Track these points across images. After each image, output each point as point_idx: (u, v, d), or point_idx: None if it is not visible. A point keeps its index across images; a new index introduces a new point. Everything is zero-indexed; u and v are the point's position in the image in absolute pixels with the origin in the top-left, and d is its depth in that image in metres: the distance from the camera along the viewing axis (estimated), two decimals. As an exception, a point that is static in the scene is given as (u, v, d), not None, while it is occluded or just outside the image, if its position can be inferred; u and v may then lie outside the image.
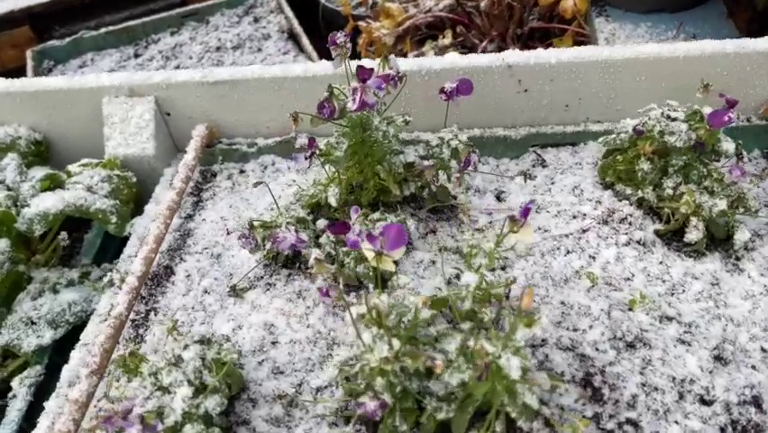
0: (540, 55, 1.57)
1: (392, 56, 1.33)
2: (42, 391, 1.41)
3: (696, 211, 1.30)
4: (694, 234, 1.30)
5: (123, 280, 1.39)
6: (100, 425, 0.97)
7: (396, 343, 0.97)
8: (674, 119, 1.35)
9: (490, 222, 1.45)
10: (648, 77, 1.57)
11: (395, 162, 1.39)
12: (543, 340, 1.19)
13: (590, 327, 1.21)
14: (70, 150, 1.84)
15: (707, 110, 1.32)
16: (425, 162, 1.38)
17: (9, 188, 1.59)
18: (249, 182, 1.67)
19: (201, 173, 1.71)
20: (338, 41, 1.30)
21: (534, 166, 1.60)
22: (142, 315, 1.37)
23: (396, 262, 1.16)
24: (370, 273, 1.30)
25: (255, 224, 1.35)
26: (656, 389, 1.11)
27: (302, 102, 1.67)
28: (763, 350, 1.16)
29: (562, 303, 1.26)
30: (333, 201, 1.38)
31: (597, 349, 1.17)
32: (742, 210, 1.33)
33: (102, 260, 1.69)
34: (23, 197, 1.56)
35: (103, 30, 2.97)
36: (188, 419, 1.05)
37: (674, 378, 1.12)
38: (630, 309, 1.23)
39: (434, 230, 1.44)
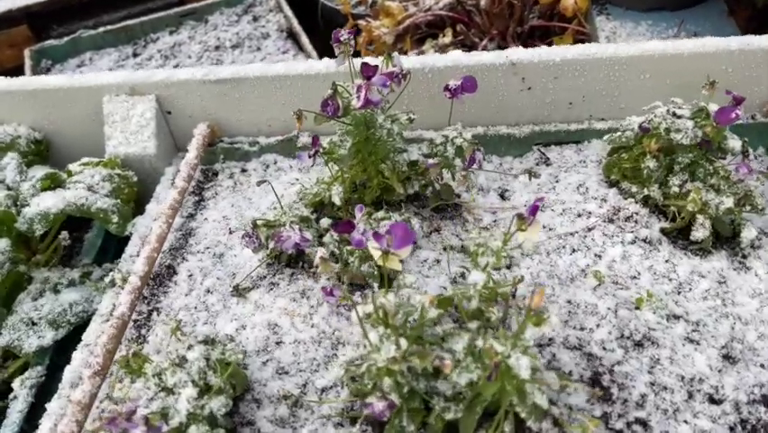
0: (544, 52, 1.56)
1: (395, 53, 1.32)
2: (43, 392, 1.40)
3: (702, 209, 1.30)
4: (701, 232, 1.29)
5: (125, 280, 1.38)
6: (104, 426, 0.96)
7: (403, 342, 0.96)
8: (680, 116, 1.34)
9: (495, 220, 1.44)
10: (652, 74, 1.56)
11: (399, 161, 1.38)
12: (549, 339, 1.18)
13: (597, 325, 1.20)
14: (70, 149, 1.83)
15: (712, 107, 1.31)
16: (430, 161, 1.37)
17: (9, 188, 1.58)
18: (251, 181, 1.66)
19: (202, 172, 1.70)
20: (342, 39, 1.29)
21: (537, 164, 1.59)
22: (145, 315, 1.36)
23: (401, 261, 1.15)
24: (375, 272, 1.29)
25: (258, 223, 1.34)
26: (665, 388, 1.10)
27: (304, 100, 1.66)
28: (771, 348, 1.16)
29: (569, 302, 1.25)
30: (336, 200, 1.37)
31: (604, 348, 1.16)
32: (748, 208, 1.32)
33: (103, 260, 1.68)
34: (23, 196, 1.54)
35: (101, 29, 2.95)
36: (193, 420, 1.04)
37: (683, 377, 1.11)
38: (637, 308, 1.22)
39: (438, 229, 1.43)
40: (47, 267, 1.59)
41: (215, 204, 1.60)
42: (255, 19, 3.04)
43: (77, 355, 1.30)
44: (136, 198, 1.69)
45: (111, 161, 1.67)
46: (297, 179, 1.59)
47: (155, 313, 1.36)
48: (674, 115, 1.34)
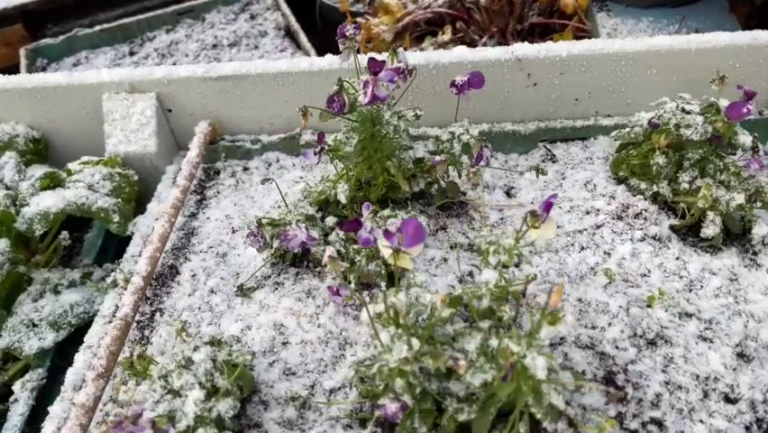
0: (550, 48, 1.55)
1: (401, 49, 1.30)
2: (45, 394, 1.37)
3: (713, 205, 1.28)
4: (711, 228, 1.28)
5: (127, 281, 1.36)
6: (110, 430, 0.94)
7: (415, 342, 0.94)
8: (689, 112, 1.32)
9: (501, 218, 1.43)
10: (659, 70, 1.54)
11: (404, 158, 1.36)
12: (561, 338, 1.16)
13: (609, 324, 1.18)
14: (69, 148, 1.80)
15: (722, 103, 1.29)
16: (437, 158, 1.35)
17: (8, 187, 1.55)
18: (253, 180, 1.63)
19: (204, 171, 1.68)
20: (347, 34, 1.27)
21: (543, 161, 1.57)
22: (148, 316, 1.33)
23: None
24: (382, 271, 1.27)
25: (264, 221, 1.32)
26: (680, 387, 1.08)
27: (307, 97, 1.64)
28: (786, 346, 1.14)
29: (579, 300, 1.23)
30: (342, 198, 1.34)
31: (617, 347, 1.15)
32: (759, 204, 1.30)
33: (103, 260, 1.65)
34: (23, 196, 1.52)
35: (97, 28, 2.92)
36: (201, 423, 1.02)
37: (698, 376, 1.10)
38: (649, 306, 1.21)
39: (445, 227, 1.41)
40: (47, 268, 1.56)
41: (218, 203, 1.58)
42: (252, 17, 3.02)
43: (80, 357, 1.28)
44: (137, 197, 1.67)
45: (111, 160, 1.64)
46: (302, 178, 1.57)
47: (158, 314, 1.34)
48: (683, 110, 1.33)
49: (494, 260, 1.10)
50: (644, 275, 1.27)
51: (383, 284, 1.27)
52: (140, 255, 1.42)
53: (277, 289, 1.34)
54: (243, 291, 1.34)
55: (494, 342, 0.96)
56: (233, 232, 1.49)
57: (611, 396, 1.04)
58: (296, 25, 2.85)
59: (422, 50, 2.49)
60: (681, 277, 1.27)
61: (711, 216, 1.28)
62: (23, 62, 2.75)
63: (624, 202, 1.40)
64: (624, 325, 1.18)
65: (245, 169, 1.68)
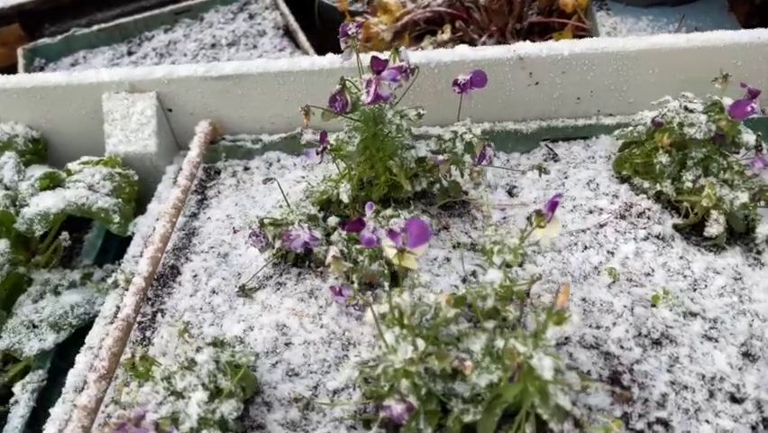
0: (552, 47, 1.54)
1: (402, 47, 1.29)
2: (45, 396, 1.37)
3: (717, 204, 1.28)
4: (715, 227, 1.27)
5: (128, 281, 1.35)
6: (113, 432, 0.93)
7: (420, 343, 0.93)
8: (692, 110, 1.32)
9: (504, 218, 1.42)
10: (661, 68, 1.54)
11: (407, 157, 1.35)
12: (566, 338, 1.16)
13: (614, 324, 1.18)
14: (68, 148, 1.79)
15: (726, 101, 1.29)
16: (440, 157, 1.34)
17: (7, 188, 1.54)
18: (254, 179, 1.63)
19: (205, 171, 1.67)
20: (350, 32, 1.26)
21: (545, 160, 1.57)
22: (149, 317, 1.33)
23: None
24: (386, 271, 1.26)
25: (266, 221, 1.31)
26: (686, 387, 1.08)
27: (308, 96, 1.63)
28: (791, 346, 1.14)
29: (583, 300, 1.23)
30: (344, 197, 1.34)
31: (622, 347, 1.14)
32: (763, 203, 1.30)
33: (103, 260, 1.65)
34: (22, 196, 1.51)
35: (95, 27, 2.91)
36: (204, 424, 1.01)
37: (703, 376, 1.09)
38: (653, 305, 1.20)
39: (447, 226, 1.41)
40: (47, 268, 1.55)
41: (219, 203, 1.57)
42: (251, 17, 3.01)
43: (81, 359, 1.27)
44: (137, 197, 1.66)
45: (111, 160, 1.63)
46: (304, 177, 1.56)
47: (160, 315, 1.33)
48: (687, 109, 1.33)
49: (499, 260, 1.09)
50: (648, 274, 1.27)
51: (386, 284, 1.26)
52: (141, 256, 1.41)
53: (279, 289, 1.34)
54: (245, 292, 1.33)
55: (499, 342, 0.96)
56: (235, 232, 1.48)
57: (617, 396, 1.03)
58: (294, 25, 2.84)
59: (421, 49, 2.49)
60: (685, 276, 1.26)
61: (715, 214, 1.28)
62: (21, 62, 2.73)
63: (627, 201, 1.40)
64: (628, 324, 1.17)
65: (246, 168, 1.67)
